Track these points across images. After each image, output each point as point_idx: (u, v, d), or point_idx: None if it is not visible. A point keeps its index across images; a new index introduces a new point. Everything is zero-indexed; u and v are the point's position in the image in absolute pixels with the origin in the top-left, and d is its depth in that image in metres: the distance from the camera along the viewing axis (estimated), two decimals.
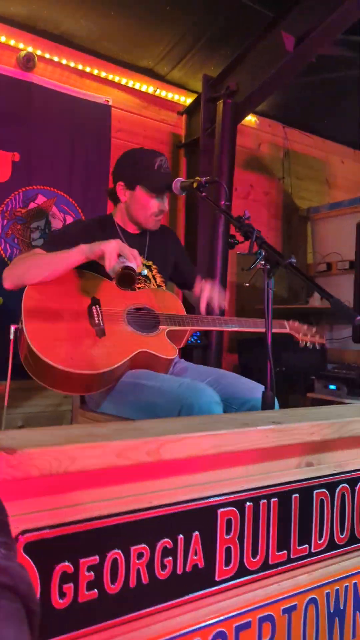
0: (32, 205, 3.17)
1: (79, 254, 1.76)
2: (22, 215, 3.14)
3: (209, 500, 0.96)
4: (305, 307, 4.07)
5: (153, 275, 2.06)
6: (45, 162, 3.21)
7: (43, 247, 1.89)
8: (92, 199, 3.38)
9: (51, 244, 1.90)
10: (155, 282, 2.05)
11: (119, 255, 1.71)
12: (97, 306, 1.79)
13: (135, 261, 1.70)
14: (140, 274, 1.74)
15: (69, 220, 3.29)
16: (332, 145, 4.79)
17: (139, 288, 1.98)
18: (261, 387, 1.52)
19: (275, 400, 1.63)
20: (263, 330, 1.61)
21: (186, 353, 3.28)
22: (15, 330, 1.74)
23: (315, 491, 1.12)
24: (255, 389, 1.84)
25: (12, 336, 1.78)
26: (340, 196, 4.70)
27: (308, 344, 2.14)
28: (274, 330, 2.02)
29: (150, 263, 2.06)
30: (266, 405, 1.39)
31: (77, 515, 0.81)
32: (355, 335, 3.04)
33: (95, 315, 1.77)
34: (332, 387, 3.39)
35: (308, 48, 2.93)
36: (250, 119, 4.16)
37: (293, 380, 3.79)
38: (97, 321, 1.76)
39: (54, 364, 1.60)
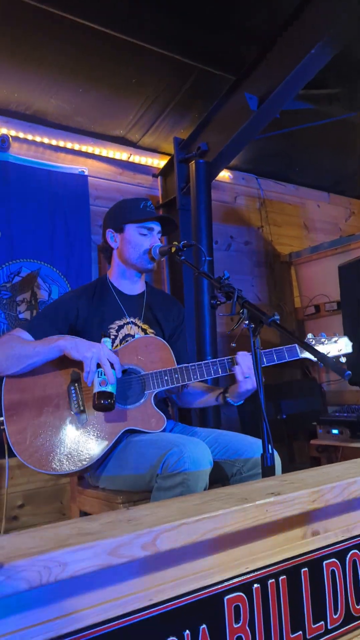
0: (16, 279, 3.19)
1: (57, 351, 1.72)
2: (7, 290, 3.15)
3: (214, 587, 0.91)
4: None
5: None
6: (26, 236, 3.26)
7: (25, 326, 1.86)
8: (75, 266, 3.42)
9: (38, 321, 1.89)
10: None
11: (98, 365, 1.69)
12: (77, 384, 1.76)
13: (111, 377, 1.67)
14: (113, 396, 1.68)
15: (55, 289, 3.31)
16: (306, 191, 4.91)
17: (127, 335, 1.93)
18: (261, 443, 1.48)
19: (276, 455, 1.58)
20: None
21: (183, 411, 3.22)
22: (2, 422, 1.71)
23: (324, 562, 1.07)
24: (256, 445, 1.79)
25: (2, 427, 1.75)
26: (320, 238, 4.78)
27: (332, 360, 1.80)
28: (288, 360, 1.84)
29: (147, 327, 2.00)
30: (266, 470, 1.34)
31: (73, 626, 0.76)
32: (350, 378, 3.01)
33: (74, 398, 1.75)
34: (334, 431, 3.33)
35: (271, 106, 3.04)
36: (224, 174, 4.27)
37: (295, 427, 3.72)
38: (76, 404, 1.74)
39: (37, 469, 1.61)
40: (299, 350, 1.83)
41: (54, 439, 1.66)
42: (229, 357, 1.84)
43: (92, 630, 0.77)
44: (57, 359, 1.76)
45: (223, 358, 1.85)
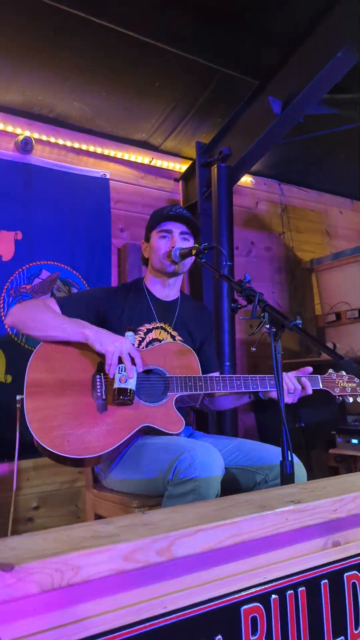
0: (36, 280, 3.20)
1: (81, 336, 1.73)
2: (27, 291, 3.16)
3: (230, 597, 0.88)
4: (317, 359, 3.99)
5: None
6: (47, 238, 3.27)
7: (60, 301, 1.88)
8: (95, 269, 3.42)
9: (69, 301, 1.91)
10: None
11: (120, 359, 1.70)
12: (104, 373, 1.74)
13: (131, 372, 1.68)
14: (132, 392, 1.69)
15: (74, 292, 3.31)
16: (329, 197, 4.86)
17: (154, 339, 1.93)
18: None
19: (299, 463, 1.56)
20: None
21: (200, 418, 3.20)
22: (21, 399, 1.70)
23: (345, 574, 1.03)
24: (278, 453, 1.75)
25: (18, 405, 1.75)
26: (342, 245, 4.73)
27: (348, 398, 1.89)
28: (308, 391, 1.85)
29: (176, 334, 2.00)
30: (285, 477, 1.31)
31: (84, 632, 0.74)
32: None
33: (99, 387, 1.73)
34: (354, 441, 3.27)
35: (295, 110, 3.01)
36: (246, 179, 4.25)
37: (313, 436, 3.66)
38: (99, 393, 1.72)
39: (48, 447, 1.58)
40: (321, 382, 1.88)
41: (71, 422, 1.64)
42: (254, 375, 1.85)
43: (103, 638, 0.75)
44: (88, 347, 1.77)
45: (247, 375, 1.85)
